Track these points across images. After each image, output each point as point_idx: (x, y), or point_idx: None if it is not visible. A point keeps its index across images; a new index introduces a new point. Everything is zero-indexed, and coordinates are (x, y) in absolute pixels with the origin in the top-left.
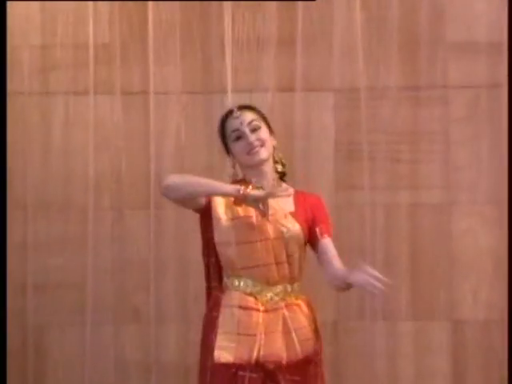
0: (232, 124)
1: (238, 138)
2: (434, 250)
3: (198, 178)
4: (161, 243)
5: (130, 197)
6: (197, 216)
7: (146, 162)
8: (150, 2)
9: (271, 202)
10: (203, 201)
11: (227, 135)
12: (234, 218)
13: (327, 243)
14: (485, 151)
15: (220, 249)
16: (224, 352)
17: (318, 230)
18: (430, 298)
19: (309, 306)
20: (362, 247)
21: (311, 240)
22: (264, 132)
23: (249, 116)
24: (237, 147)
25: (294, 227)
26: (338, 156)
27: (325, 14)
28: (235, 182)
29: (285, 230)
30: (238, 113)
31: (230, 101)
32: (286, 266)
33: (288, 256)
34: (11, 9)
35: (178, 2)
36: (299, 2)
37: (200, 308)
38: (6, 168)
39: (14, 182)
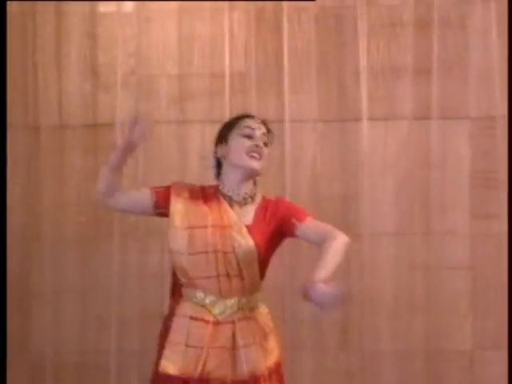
0: (250, 123)
1: (249, 136)
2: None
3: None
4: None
5: None
6: None
7: (281, 190)
8: (286, 31)
9: (230, 213)
10: (150, 205)
11: (237, 127)
12: (189, 227)
13: (304, 229)
14: None
15: (174, 257)
16: (170, 363)
17: (294, 222)
18: None
19: (266, 318)
20: (500, 277)
21: (293, 235)
22: (266, 151)
23: (264, 131)
24: (241, 142)
25: (248, 243)
26: (474, 185)
27: (460, 40)
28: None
29: (236, 244)
30: (259, 120)
31: (366, 129)
32: (238, 279)
33: (240, 270)
34: (147, 38)
35: (313, 30)
36: (435, 28)
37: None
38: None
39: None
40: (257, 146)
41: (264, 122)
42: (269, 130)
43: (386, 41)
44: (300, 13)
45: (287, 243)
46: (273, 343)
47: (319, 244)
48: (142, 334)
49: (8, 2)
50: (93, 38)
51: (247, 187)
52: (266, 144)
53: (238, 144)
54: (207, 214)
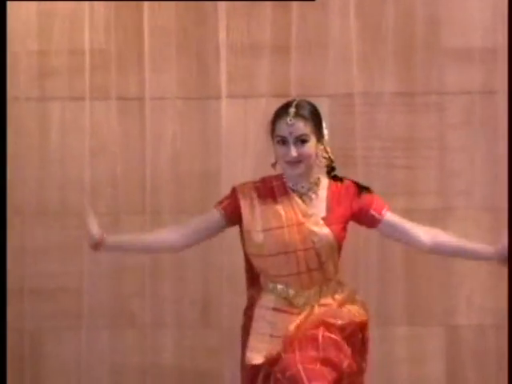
0: (282, 128)
1: (283, 142)
2: (429, 255)
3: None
4: None
5: (126, 202)
6: None
7: (141, 167)
8: (146, 9)
9: (302, 206)
10: (223, 224)
11: (275, 131)
12: (265, 230)
13: (390, 218)
14: (480, 157)
15: (252, 259)
16: (256, 354)
17: (373, 213)
18: (425, 303)
19: (345, 294)
20: (357, 252)
21: (373, 225)
22: (309, 147)
23: (300, 129)
24: (279, 150)
25: (327, 236)
26: None
27: (320, 20)
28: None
29: (316, 239)
30: (292, 121)
31: (225, 107)
32: (319, 271)
33: (321, 263)
34: (10, 13)
35: (173, 9)
36: (294, 8)
37: (195, 312)
38: (5, 173)
39: (11, 187)
40: (290, 156)
41: (301, 114)
42: (308, 119)
43: (245, 19)
44: None
45: None
46: (353, 309)
47: (403, 234)
48: None
49: (8, 2)
50: None
51: (307, 178)
52: (304, 141)
53: (276, 152)
54: (280, 212)
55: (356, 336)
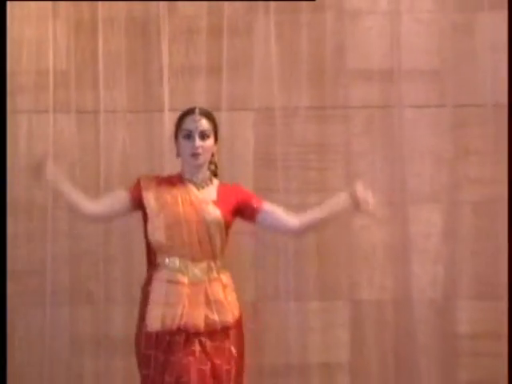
0: (189, 123)
1: (188, 137)
2: (337, 242)
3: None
4: (109, 238)
5: None
6: (139, 215)
7: (97, 170)
8: (100, 34)
9: (196, 191)
10: (128, 204)
11: (181, 128)
12: (163, 206)
13: (268, 206)
14: (378, 160)
15: (151, 237)
16: (153, 321)
17: (253, 203)
18: (333, 281)
19: (229, 280)
20: (276, 238)
21: (253, 215)
22: (209, 142)
23: (204, 125)
24: (183, 144)
25: (215, 213)
26: (256, 164)
27: (246, 46)
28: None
29: (206, 215)
30: (198, 117)
31: (167, 119)
32: (208, 245)
33: (210, 237)
34: None
35: (123, 34)
36: (225, 35)
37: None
38: (5, 174)
39: None
40: (195, 147)
41: (205, 114)
42: (210, 119)
43: (184, 44)
44: (113, 21)
45: None
46: (235, 299)
47: (277, 219)
48: None
49: (8, 2)
50: None
51: (203, 172)
52: (206, 136)
53: (181, 146)
54: (176, 193)
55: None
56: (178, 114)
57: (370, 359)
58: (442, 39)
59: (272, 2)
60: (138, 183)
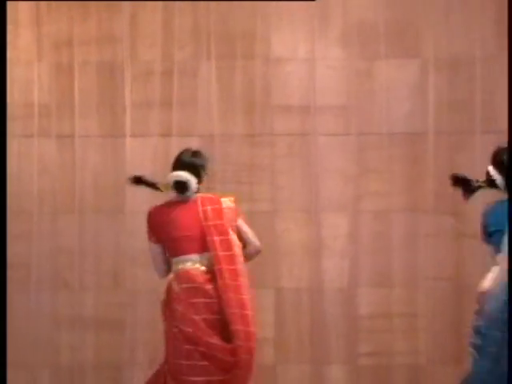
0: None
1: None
2: (264, 242)
3: None
4: (82, 236)
5: (62, 205)
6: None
7: (72, 185)
8: (76, 73)
9: None
10: (159, 246)
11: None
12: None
13: (240, 223)
14: (298, 177)
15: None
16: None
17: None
18: (261, 273)
19: None
20: None
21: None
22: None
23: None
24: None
25: None
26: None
27: (192, 83)
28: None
29: None
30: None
31: (129, 143)
32: None
33: None
34: None
35: (95, 73)
36: (175, 73)
37: (109, 278)
38: (5, 175)
39: None
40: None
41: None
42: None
43: (143, 83)
44: (86, 64)
45: None
46: None
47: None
48: None
49: (8, 2)
50: None
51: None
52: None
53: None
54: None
55: None
56: (137, 139)
57: (290, 336)
58: (348, 81)
59: (213, 51)
60: (147, 218)
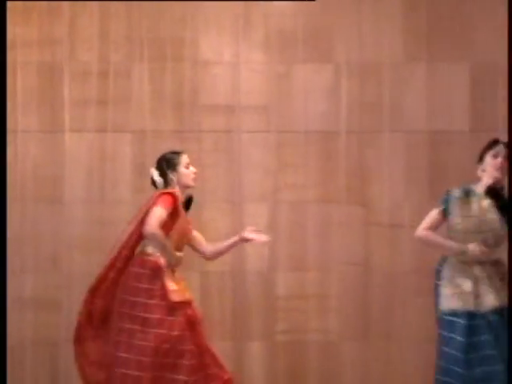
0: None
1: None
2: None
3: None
4: (24, 223)
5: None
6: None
7: (15, 178)
8: (19, 72)
9: None
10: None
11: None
12: None
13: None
14: (223, 171)
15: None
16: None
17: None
18: (188, 257)
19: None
20: None
21: None
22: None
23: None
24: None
25: None
26: (133, 172)
27: (126, 84)
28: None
29: None
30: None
31: (68, 138)
32: None
33: None
34: None
35: (35, 71)
36: (111, 76)
37: (49, 263)
38: (5, 176)
39: None
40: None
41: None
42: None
43: (80, 83)
44: (27, 64)
45: None
46: None
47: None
48: None
49: (8, 2)
50: None
51: None
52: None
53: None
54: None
55: None
56: (75, 134)
57: (215, 313)
58: (268, 83)
59: (145, 53)
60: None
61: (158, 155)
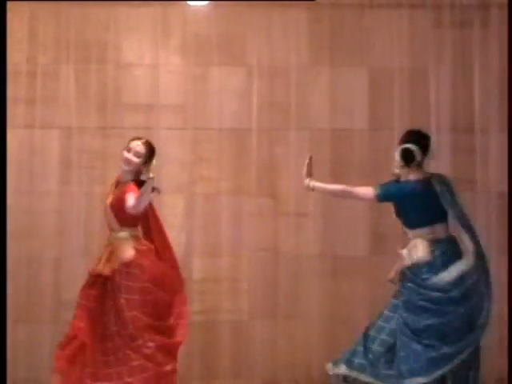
0: (132, 143)
1: (128, 150)
2: None
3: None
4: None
5: None
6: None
7: None
8: None
9: None
10: None
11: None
12: None
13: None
14: (176, 160)
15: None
16: None
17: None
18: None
19: None
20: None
21: None
22: (136, 159)
23: (141, 147)
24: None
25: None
26: (60, 164)
27: (54, 84)
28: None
29: None
30: (143, 141)
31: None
32: None
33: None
34: None
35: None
36: (39, 76)
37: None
38: (5, 178)
39: None
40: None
41: (146, 143)
42: (149, 147)
43: (12, 83)
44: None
45: None
46: None
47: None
48: None
49: (8, 2)
50: None
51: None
52: (137, 155)
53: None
54: None
55: None
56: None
57: None
58: (186, 84)
59: (72, 56)
60: None
61: (83, 149)
